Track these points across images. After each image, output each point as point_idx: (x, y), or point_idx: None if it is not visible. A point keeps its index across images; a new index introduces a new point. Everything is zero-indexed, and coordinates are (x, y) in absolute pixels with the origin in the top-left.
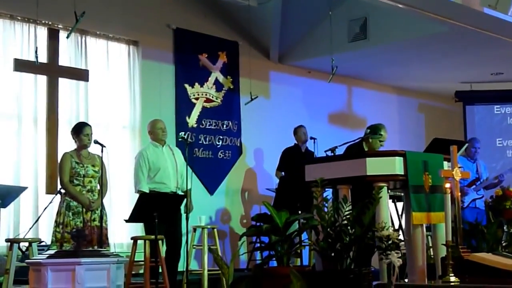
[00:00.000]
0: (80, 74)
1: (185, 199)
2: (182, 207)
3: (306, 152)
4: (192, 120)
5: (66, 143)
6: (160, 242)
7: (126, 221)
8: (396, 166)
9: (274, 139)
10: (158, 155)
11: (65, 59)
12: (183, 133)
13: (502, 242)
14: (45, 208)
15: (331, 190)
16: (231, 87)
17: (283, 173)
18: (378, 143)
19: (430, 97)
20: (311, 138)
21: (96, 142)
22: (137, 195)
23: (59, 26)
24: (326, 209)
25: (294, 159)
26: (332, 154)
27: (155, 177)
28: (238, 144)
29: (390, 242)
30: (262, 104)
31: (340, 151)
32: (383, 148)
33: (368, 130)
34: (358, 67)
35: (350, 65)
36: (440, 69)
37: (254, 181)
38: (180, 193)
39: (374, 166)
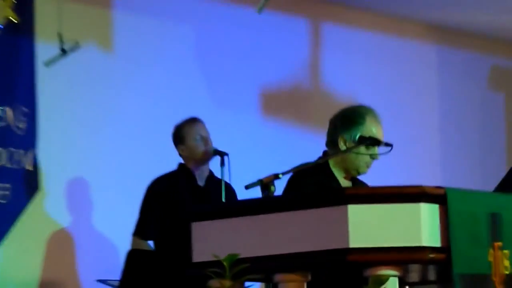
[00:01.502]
0: None
1: None
2: None
3: (207, 186)
4: None
5: None
6: None
7: None
8: (422, 225)
9: (124, 154)
10: None
11: None
12: None
13: None
14: None
15: (258, 286)
16: (15, 21)
17: (148, 242)
18: (367, 156)
19: None
20: (218, 152)
21: None
22: None
23: None
24: None
25: (180, 205)
26: (267, 193)
27: None
28: (30, 167)
29: None
30: (91, 63)
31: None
32: (390, 179)
33: (335, 126)
34: None
35: None
36: None
37: (69, 260)
38: None
39: (366, 227)
